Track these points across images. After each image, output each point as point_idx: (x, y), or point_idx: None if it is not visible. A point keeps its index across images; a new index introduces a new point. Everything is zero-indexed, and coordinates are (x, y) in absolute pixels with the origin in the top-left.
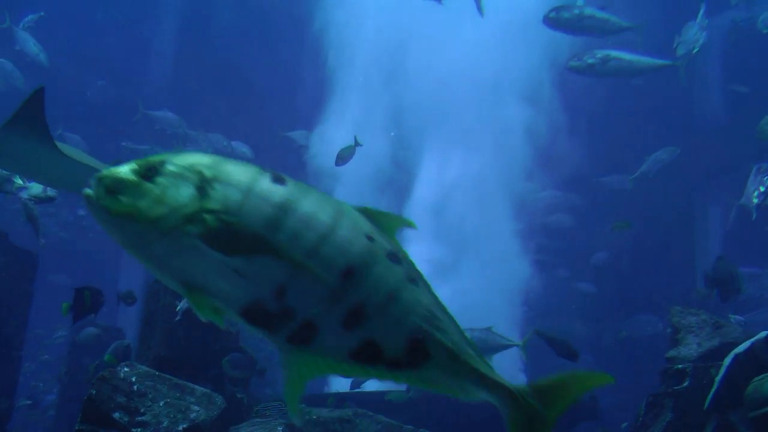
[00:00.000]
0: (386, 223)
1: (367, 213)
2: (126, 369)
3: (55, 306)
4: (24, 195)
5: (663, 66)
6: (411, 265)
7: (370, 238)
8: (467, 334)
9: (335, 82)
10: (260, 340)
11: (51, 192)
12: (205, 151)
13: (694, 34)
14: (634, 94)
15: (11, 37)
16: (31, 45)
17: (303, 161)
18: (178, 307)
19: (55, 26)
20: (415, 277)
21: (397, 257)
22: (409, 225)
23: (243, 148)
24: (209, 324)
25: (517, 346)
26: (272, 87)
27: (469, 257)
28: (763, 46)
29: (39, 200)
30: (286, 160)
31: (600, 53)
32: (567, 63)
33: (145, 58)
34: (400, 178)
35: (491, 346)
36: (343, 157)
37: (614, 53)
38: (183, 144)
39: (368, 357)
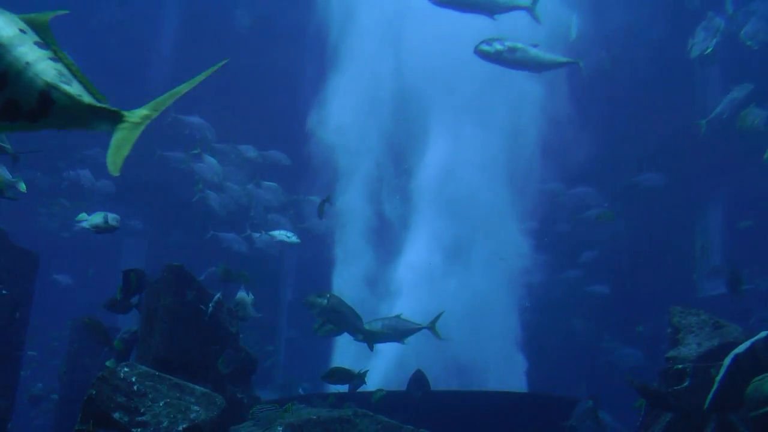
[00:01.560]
0: (42, 21)
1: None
2: (126, 369)
3: (56, 305)
4: (85, 225)
5: (565, 63)
6: (57, 52)
7: (22, 31)
8: (378, 324)
9: (338, 59)
10: (259, 343)
11: (112, 221)
12: (236, 163)
13: (705, 37)
14: (635, 94)
15: None
16: None
17: (305, 149)
18: (209, 310)
19: (54, 26)
20: (59, 57)
21: (46, 46)
22: (58, 13)
23: (279, 157)
24: (209, 325)
25: (426, 328)
26: (273, 69)
27: (474, 247)
28: (762, 46)
29: (100, 230)
30: (287, 144)
31: (509, 42)
32: (476, 47)
33: (144, 57)
34: (404, 159)
35: (401, 330)
36: (319, 213)
37: (521, 45)
38: (210, 151)
39: (11, 114)
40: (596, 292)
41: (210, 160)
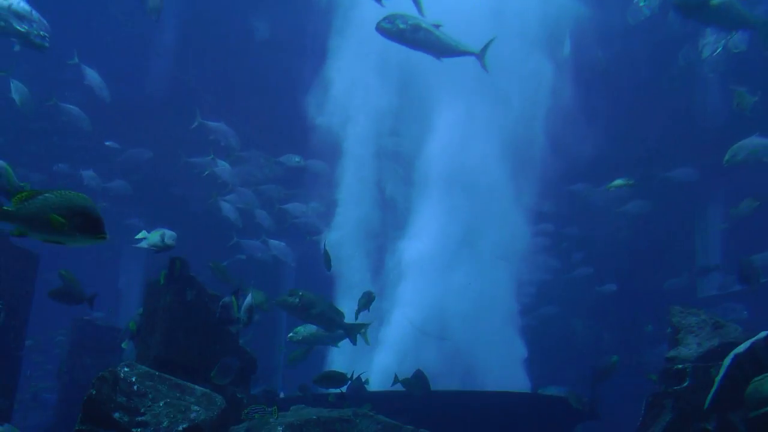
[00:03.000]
0: None
1: None
2: (126, 369)
3: (56, 306)
4: (144, 245)
5: (466, 53)
6: None
7: None
8: (312, 327)
9: (340, 39)
10: (258, 343)
11: (169, 240)
12: (268, 171)
13: (717, 38)
14: (635, 93)
15: (79, 73)
16: (96, 81)
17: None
18: (218, 314)
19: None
20: None
21: None
22: None
23: (319, 166)
24: (209, 324)
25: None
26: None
27: (478, 237)
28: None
29: (158, 249)
30: (288, 132)
31: (412, 21)
32: (377, 24)
33: (144, 56)
34: (407, 143)
35: (335, 334)
36: (327, 264)
37: (425, 25)
38: (235, 159)
39: None
40: (602, 291)
41: (223, 165)
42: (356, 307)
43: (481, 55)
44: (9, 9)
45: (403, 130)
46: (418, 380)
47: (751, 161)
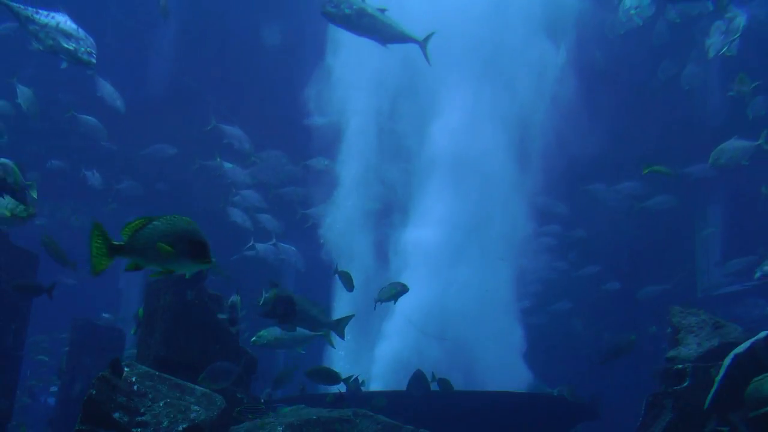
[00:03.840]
0: None
1: None
2: (126, 369)
3: (56, 306)
4: None
5: (411, 39)
6: None
7: None
8: (277, 331)
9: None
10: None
11: None
12: (282, 174)
13: (722, 37)
14: (634, 93)
15: (94, 84)
16: (109, 91)
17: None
18: (227, 316)
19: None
20: None
21: None
22: None
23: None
24: (209, 324)
25: (321, 335)
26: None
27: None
28: (763, 45)
29: None
30: (290, 128)
31: (357, 5)
32: (322, 8)
33: (144, 57)
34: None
35: (300, 337)
36: (348, 286)
37: (370, 10)
38: (250, 162)
39: None
40: (607, 289)
41: (228, 167)
42: (385, 297)
43: (423, 44)
44: (57, 28)
45: (404, 122)
46: (418, 380)
47: (732, 165)
